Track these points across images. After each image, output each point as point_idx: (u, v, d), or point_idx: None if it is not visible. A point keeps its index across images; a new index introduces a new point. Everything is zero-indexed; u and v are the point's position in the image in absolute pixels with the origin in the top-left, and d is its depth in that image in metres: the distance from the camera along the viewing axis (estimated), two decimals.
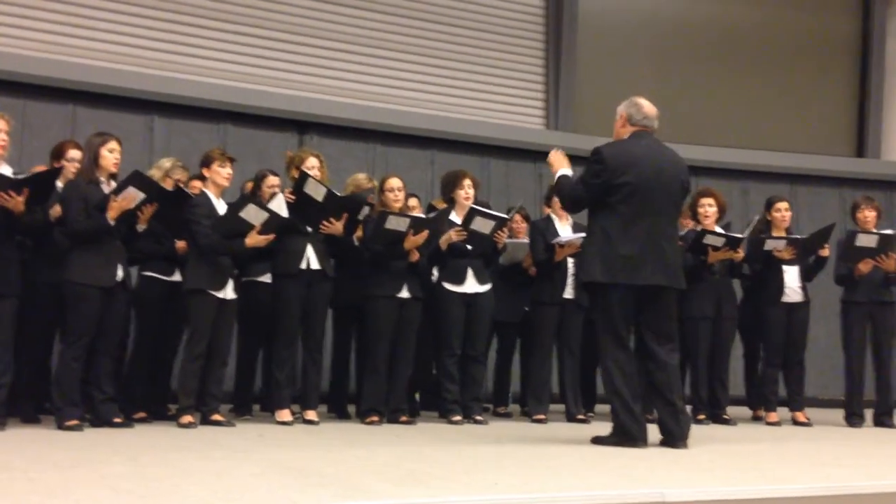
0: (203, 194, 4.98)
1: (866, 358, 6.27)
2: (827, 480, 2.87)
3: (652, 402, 4.15)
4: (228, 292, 4.95)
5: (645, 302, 4.12)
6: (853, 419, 6.18)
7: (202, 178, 5.13)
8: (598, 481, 2.80)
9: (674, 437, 4.01)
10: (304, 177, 5.05)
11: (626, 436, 3.98)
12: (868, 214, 6.29)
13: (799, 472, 3.25)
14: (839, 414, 6.32)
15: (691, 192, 5.57)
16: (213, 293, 4.86)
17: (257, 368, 5.93)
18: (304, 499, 2.29)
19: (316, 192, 5.06)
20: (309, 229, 5.14)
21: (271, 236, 4.96)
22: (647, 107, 4.27)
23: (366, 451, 3.70)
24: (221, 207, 4.96)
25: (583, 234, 5.73)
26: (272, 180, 5.56)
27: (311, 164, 5.19)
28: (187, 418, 4.72)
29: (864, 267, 6.11)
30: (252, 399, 5.85)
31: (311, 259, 5.16)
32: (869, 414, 6.23)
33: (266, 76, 7.91)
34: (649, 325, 4.14)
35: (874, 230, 6.19)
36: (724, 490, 2.57)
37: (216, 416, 4.85)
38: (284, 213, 5.05)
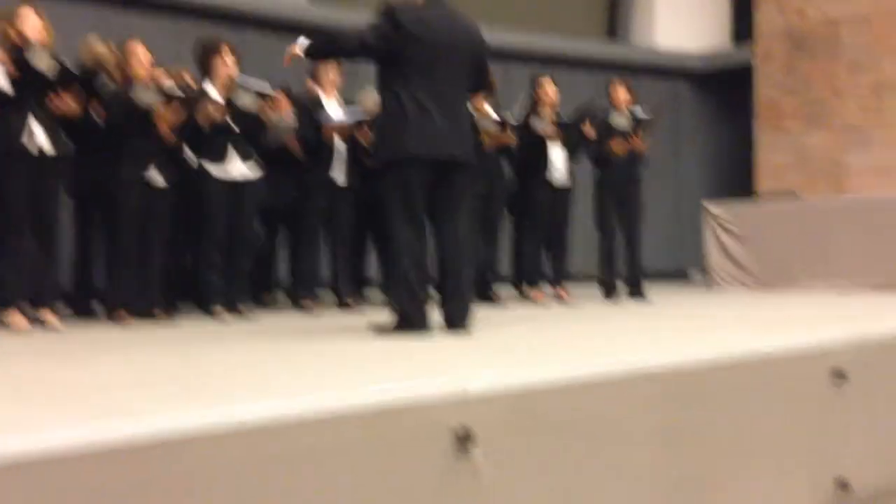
0: None
1: (617, 235, 6.55)
2: (618, 359, 2.84)
3: (438, 286, 3.98)
4: None
5: (439, 178, 3.88)
6: (610, 293, 6.48)
7: None
8: (392, 375, 2.57)
9: (456, 322, 3.88)
10: (26, 45, 4.24)
11: (408, 323, 3.80)
12: (620, 94, 6.50)
13: (587, 352, 3.23)
14: (594, 288, 6.59)
15: None
16: None
17: None
18: (47, 425, 1.85)
19: (42, 62, 4.27)
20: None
21: None
22: None
23: (121, 359, 3.24)
24: None
25: (353, 113, 5.44)
26: None
27: (33, 23, 4.34)
28: None
29: (617, 147, 6.31)
30: None
31: (38, 137, 4.41)
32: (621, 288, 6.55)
33: None
34: (441, 204, 3.92)
35: (626, 110, 6.41)
36: (525, 376, 2.43)
37: None
38: (3, 83, 4.24)
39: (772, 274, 7.36)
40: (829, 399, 3.19)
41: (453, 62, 3.87)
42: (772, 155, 9.31)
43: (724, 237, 7.71)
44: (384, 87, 3.92)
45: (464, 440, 2.20)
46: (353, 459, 2.03)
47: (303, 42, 4.00)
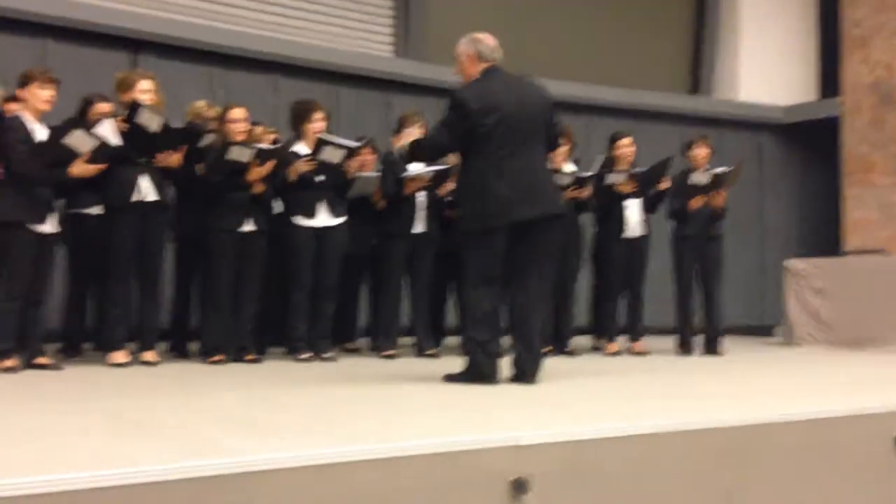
0: (17, 118, 4.49)
1: (695, 289, 6.57)
2: (677, 415, 2.95)
3: (512, 338, 4.14)
4: (49, 226, 4.54)
5: (518, 237, 4.03)
6: (684, 348, 6.49)
7: (15, 100, 4.63)
8: (453, 426, 2.75)
9: (524, 374, 4.03)
10: (136, 106, 4.66)
11: (478, 373, 3.97)
12: (700, 152, 6.53)
13: (648, 408, 3.33)
14: (671, 341, 6.62)
15: None
16: (32, 227, 4.44)
17: (87, 306, 5.53)
18: (144, 457, 2.10)
19: (151, 122, 4.69)
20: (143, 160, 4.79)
21: (101, 166, 4.57)
22: (490, 38, 4.16)
23: (211, 398, 3.51)
24: (41, 133, 4.50)
25: (434, 168, 5.68)
26: (102, 107, 5.10)
27: (145, 87, 4.81)
28: (6, 363, 4.33)
29: (696, 203, 6.35)
30: (83, 339, 5.48)
31: (145, 189, 4.81)
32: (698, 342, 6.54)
33: None
34: (518, 259, 4.07)
35: (706, 167, 6.45)
36: (577, 430, 2.57)
37: (41, 360, 4.50)
38: (114, 140, 4.66)
39: (853, 332, 7.20)
40: (890, 464, 3.19)
41: (523, 125, 4.04)
42: (859, 210, 9.13)
43: (806, 294, 7.60)
44: (464, 160, 4.14)
45: (518, 487, 2.35)
46: (412, 501, 2.20)
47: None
